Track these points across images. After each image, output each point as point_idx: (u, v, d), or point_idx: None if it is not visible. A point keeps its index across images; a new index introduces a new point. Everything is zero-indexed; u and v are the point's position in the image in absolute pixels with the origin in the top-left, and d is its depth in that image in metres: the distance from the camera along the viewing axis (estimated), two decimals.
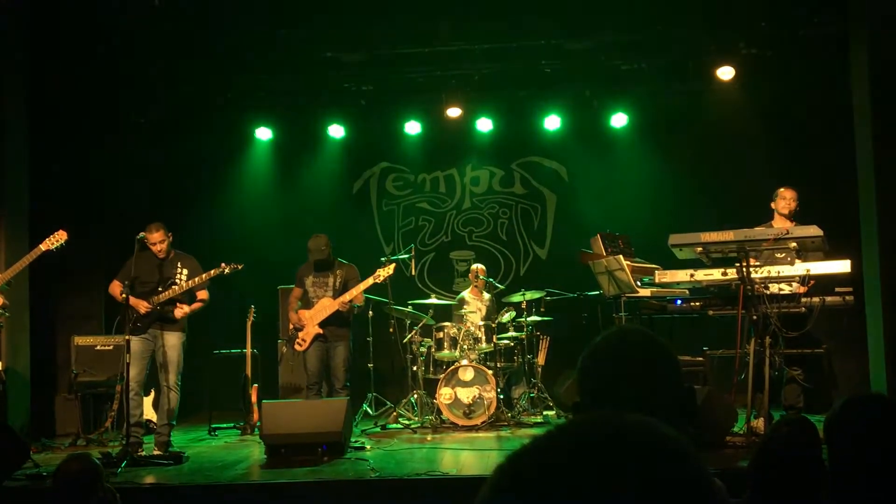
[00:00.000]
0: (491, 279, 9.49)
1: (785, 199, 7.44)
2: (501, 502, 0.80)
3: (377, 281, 8.09)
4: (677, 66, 9.86)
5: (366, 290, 8.25)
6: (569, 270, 9.59)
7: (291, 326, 8.29)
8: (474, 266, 9.61)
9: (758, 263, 6.61)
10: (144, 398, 8.59)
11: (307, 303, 8.23)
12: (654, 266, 7.68)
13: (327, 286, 8.18)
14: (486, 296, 9.55)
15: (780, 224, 7.27)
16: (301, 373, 8.74)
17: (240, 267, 7.49)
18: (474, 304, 9.38)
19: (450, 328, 8.67)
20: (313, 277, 8.24)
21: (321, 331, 8.05)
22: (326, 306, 8.05)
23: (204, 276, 7.38)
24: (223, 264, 7.43)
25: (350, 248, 9.41)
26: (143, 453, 6.93)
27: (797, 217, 7.39)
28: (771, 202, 7.53)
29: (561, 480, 0.77)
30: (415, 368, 8.78)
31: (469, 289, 9.61)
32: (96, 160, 9.62)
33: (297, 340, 8.13)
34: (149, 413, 8.49)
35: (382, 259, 8.76)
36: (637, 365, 1.71)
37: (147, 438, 7.84)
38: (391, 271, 8.15)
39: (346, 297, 8.05)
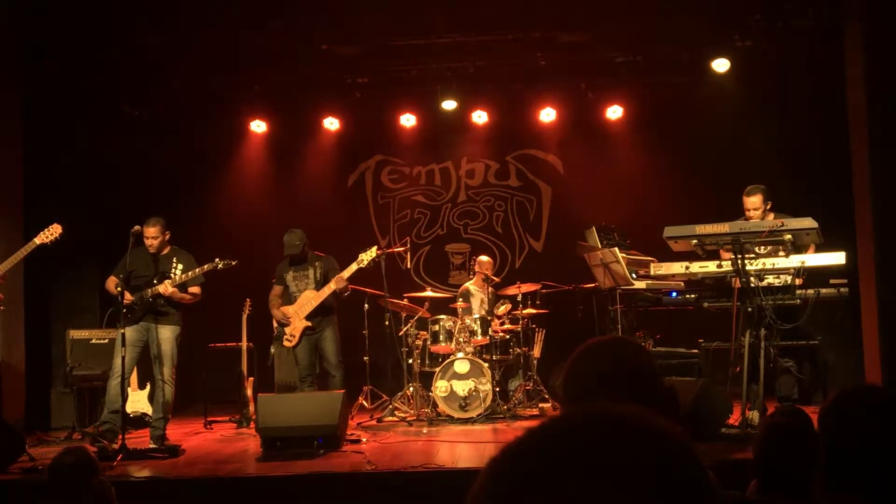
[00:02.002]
0: (486, 272, 9.50)
1: (748, 211, 7.12)
2: (497, 496, 0.79)
3: (361, 266, 8.07)
4: (672, 59, 9.85)
5: (358, 282, 8.26)
6: (564, 263, 9.60)
7: (276, 323, 8.26)
8: (482, 258, 9.58)
9: (752, 255, 6.61)
10: (140, 391, 8.61)
11: (288, 298, 8.18)
12: (649, 258, 7.68)
13: (308, 279, 8.17)
14: (490, 288, 9.55)
15: None
16: (293, 370, 8.70)
17: (233, 263, 7.46)
18: (479, 295, 9.39)
19: (445, 321, 8.69)
20: (293, 272, 8.21)
21: (309, 323, 8.05)
22: (311, 298, 8.05)
23: (197, 270, 7.37)
24: (217, 259, 7.41)
25: (345, 241, 9.39)
26: (114, 446, 6.83)
27: (781, 212, 7.31)
28: None
29: (556, 472, 0.77)
30: (410, 361, 8.79)
31: (473, 280, 9.61)
32: (92, 154, 9.60)
33: (286, 337, 8.09)
34: (144, 407, 8.49)
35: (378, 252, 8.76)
36: (613, 375, 1.76)
37: (142, 432, 7.86)
38: (374, 254, 8.10)
39: (336, 282, 7.97)
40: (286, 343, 8.13)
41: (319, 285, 8.10)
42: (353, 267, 8.08)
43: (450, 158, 11.28)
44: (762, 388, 6.57)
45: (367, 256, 8.08)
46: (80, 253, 9.13)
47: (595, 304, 8.87)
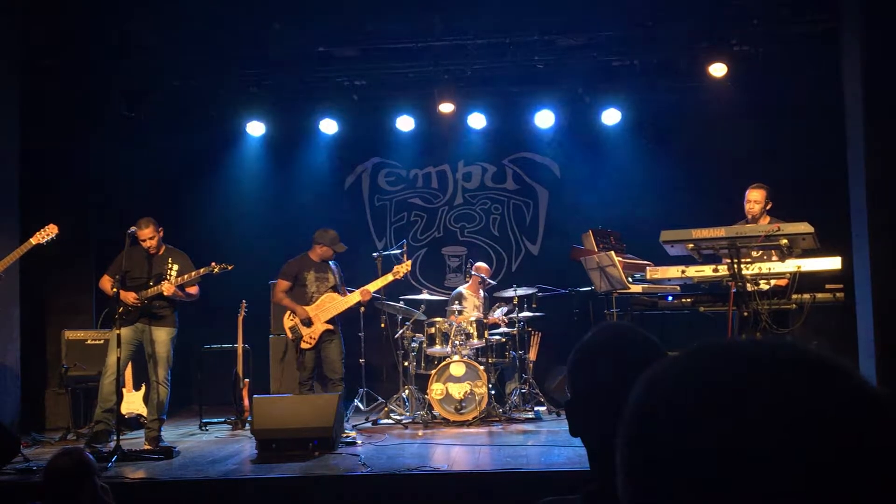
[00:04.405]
0: (483, 276, 9.50)
1: (748, 203, 7.26)
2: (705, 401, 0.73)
3: (397, 277, 8.16)
4: (669, 63, 9.87)
5: (355, 285, 8.28)
6: (560, 266, 9.60)
7: (296, 321, 8.08)
8: (479, 264, 9.56)
9: (748, 260, 6.62)
10: (136, 393, 8.60)
11: (303, 297, 8.13)
12: (645, 262, 7.69)
13: (328, 281, 8.18)
14: (482, 293, 9.55)
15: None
16: (292, 379, 8.67)
17: (230, 267, 7.46)
18: (472, 300, 9.38)
19: (441, 324, 8.68)
20: (315, 273, 8.18)
21: (330, 326, 8.06)
22: (335, 302, 8.05)
23: (193, 273, 7.37)
24: (213, 263, 7.41)
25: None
26: (110, 445, 6.81)
27: (774, 215, 7.36)
28: None
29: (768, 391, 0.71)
30: (406, 364, 8.78)
31: (467, 285, 9.60)
32: (87, 155, 9.61)
33: (305, 338, 8.02)
34: (139, 408, 8.48)
35: (374, 255, 8.76)
36: (631, 360, 1.69)
37: (137, 433, 7.85)
38: (409, 268, 8.28)
39: (363, 294, 8.10)
40: (304, 345, 8.04)
41: (339, 289, 8.13)
42: (389, 277, 8.11)
43: (447, 161, 11.28)
44: None
45: (403, 269, 8.20)
46: (76, 253, 9.12)
47: (591, 308, 8.89)
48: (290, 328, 8.18)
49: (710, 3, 8.93)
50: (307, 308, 8.08)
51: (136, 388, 8.62)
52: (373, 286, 8.13)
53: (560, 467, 5.95)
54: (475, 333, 8.59)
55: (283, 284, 8.24)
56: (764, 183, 7.43)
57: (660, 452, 0.72)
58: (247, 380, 8.86)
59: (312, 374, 8.10)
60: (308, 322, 8.05)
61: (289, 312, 8.20)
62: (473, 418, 8.14)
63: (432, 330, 8.67)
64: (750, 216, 7.29)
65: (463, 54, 9.59)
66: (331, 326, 8.05)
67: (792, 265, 6.52)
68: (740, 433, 0.68)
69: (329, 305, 8.06)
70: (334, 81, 10.18)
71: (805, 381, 0.71)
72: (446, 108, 10.15)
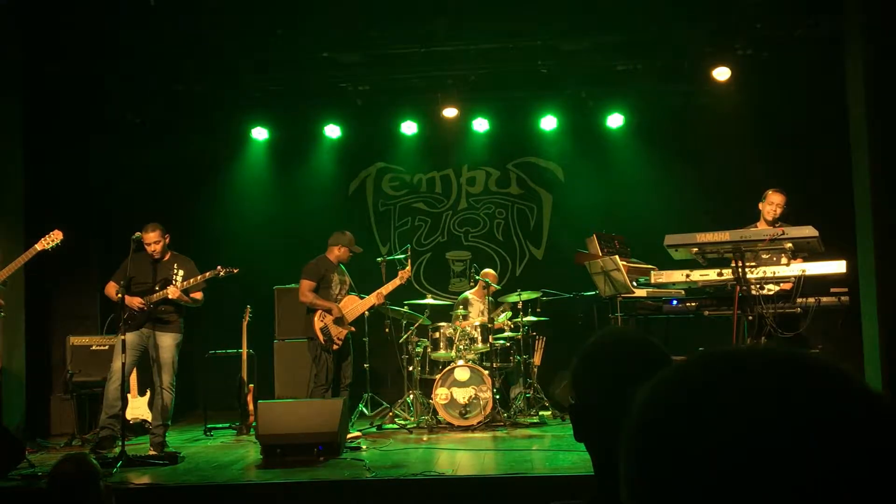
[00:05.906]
0: (487, 280, 9.49)
1: (772, 205, 7.29)
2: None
3: (402, 283, 8.16)
4: (673, 67, 9.86)
5: (359, 289, 8.29)
6: (565, 271, 9.58)
7: (327, 320, 7.91)
8: (487, 271, 9.54)
9: (753, 264, 6.61)
10: (140, 398, 8.60)
11: (327, 298, 8.01)
12: (649, 266, 7.67)
13: (346, 284, 8.18)
14: (488, 298, 9.53)
15: (763, 227, 7.26)
16: (297, 382, 8.64)
17: (235, 271, 7.46)
18: (477, 305, 9.37)
19: (446, 328, 8.68)
20: (338, 275, 8.17)
21: (353, 329, 8.07)
22: (357, 305, 8.05)
23: (199, 277, 7.36)
24: (219, 267, 7.40)
25: None
26: (115, 450, 6.81)
27: (788, 221, 7.35)
28: (759, 202, 7.49)
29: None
30: (410, 369, 8.78)
31: (473, 290, 9.59)
32: (92, 160, 9.63)
33: (335, 339, 7.91)
34: (144, 413, 8.48)
35: (378, 259, 8.75)
36: (636, 365, 1.69)
37: (142, 439, 7.86)
38: (410, 272, 8.32)
39: (378, 297, 8.10)
40: (335, 347, 7.91)
41: (355, 291, 8.18)
42: (397, 282, 8.13)
43: (451, 166, 11.28)
44: None
45: (407, 273, 8.21)
46: (81, 259, 9.13)
47: (595, 312, 8.86)
48: (320, 329, 7.91)
49: (713, 7, 8.93)
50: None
51: (141, 393, 8.63)
52: (385, 290, 8.11)
53: (565, 472, 5.94)
54: (480, 338, 8.59)
55: (310, 284, 8.00)
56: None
57: (663, 460, 0.73)
58: (251, 385, 8.86)
59: (332, 383, 7.91)
60: (341, 321, 7.93)
61: (319, 312, 7.92)
62: (478, 423, 8.14)
63: (437, 335, 8.68)
64: (771, 217, 7.28)
65: (466, 59, 9.60)
66: (353, 329, 8.06)
67: (797, 269, 6.51)
68: (743, 440, 0.69)
69: (351, 307, 8.03)
70: (338, 87, 10.19)
71: (808, 387, 0.72)
72: (450, 112, 10.16)
